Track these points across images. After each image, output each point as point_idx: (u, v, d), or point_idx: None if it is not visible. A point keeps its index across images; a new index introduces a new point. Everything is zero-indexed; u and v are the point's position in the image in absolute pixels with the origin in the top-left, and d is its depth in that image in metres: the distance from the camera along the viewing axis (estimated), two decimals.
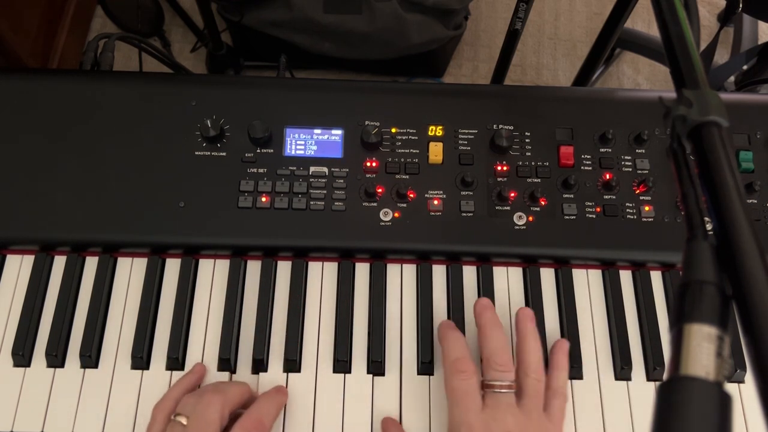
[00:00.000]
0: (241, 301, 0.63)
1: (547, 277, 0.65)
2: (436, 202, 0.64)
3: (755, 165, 0.66)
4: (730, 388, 0.62)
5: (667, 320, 0.63)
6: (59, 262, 0.64)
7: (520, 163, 0.66)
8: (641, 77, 1.63)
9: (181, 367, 0.60)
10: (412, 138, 0.66)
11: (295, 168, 0.65)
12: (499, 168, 0.65)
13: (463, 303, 0.63)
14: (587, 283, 0.65)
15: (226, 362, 0.60)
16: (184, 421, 0.53)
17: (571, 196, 0.65)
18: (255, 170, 0.64)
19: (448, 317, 0.63)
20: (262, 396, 0.57)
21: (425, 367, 0.60)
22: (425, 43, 1.37)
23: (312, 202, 0.63)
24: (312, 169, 0.65)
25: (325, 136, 0.66)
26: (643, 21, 1.70)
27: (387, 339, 0.62)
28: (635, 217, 0.64)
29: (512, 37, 1.13)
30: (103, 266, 0.63)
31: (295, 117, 0.66)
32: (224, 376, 0.60)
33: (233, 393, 0.56)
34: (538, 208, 0.64)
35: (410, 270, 0.65)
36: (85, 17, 1.56)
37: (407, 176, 0.65)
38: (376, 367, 0.60)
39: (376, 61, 1.43)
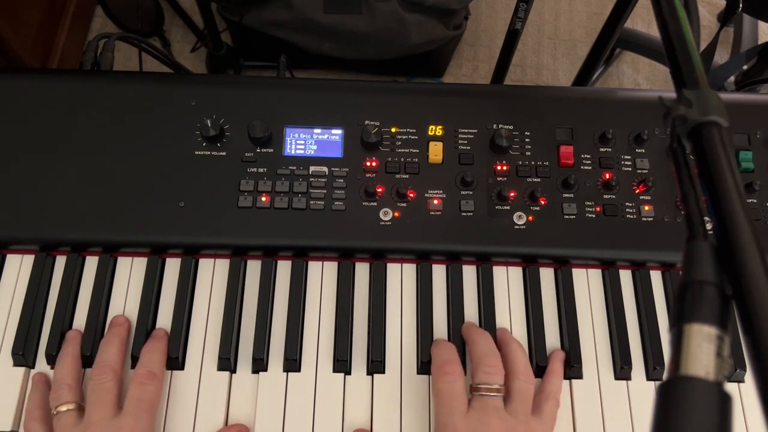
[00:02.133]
0: (241, 300, 0.63)
1: (547, 276, 0.65)
2: (436, 201, 0.64)
3: (755, 165, 0.66)
4: (730, 388, 0.62)
5: (667, 320, 0.63)
6: (59, 262, 0.64)
7: (520, 162, 0.66)
8: (641, 77, 1.63)
9: (181, 367, 0.60)
10: (412, 138, 0.66)
11: (295, 168, 0.65)
12: (499, 168, 0.65)
13: (462, 303, 0.63)
14: (587, 283, 0.65)
15: (226, 362, 0.60)
16: (65, 408, 0.54)
17: (571, 195, 0.65)
18: (255, 170, 0.64)
19: (448, 317, 0.63)
20: (143, 350, 0.59)
21: (425, 366, 0.60)
22: (425, 43, 1.37)
23: (312, 202, 0.63)
24: (312, 168, 0.65)
25: (325, 136, 0.66)
26: (643, 21, 1.70)
27: (387, 339, 0.62)
28: (635, 216, 0.64)
29: (512, 37, 1.14)
30: (103, 266, 0.63)
31: (295, 117, 0.66)
32: (224, 375, 0.60)
33: (114, 358, 0.57)
34: (538, 208, 0.64)
35: (410, 270, 0.65)
36: (85, 17, 1.56)
37: (407, 176, 0.65)
38: (376, 366, 0.60)
39: (376, 61, 1.43)
